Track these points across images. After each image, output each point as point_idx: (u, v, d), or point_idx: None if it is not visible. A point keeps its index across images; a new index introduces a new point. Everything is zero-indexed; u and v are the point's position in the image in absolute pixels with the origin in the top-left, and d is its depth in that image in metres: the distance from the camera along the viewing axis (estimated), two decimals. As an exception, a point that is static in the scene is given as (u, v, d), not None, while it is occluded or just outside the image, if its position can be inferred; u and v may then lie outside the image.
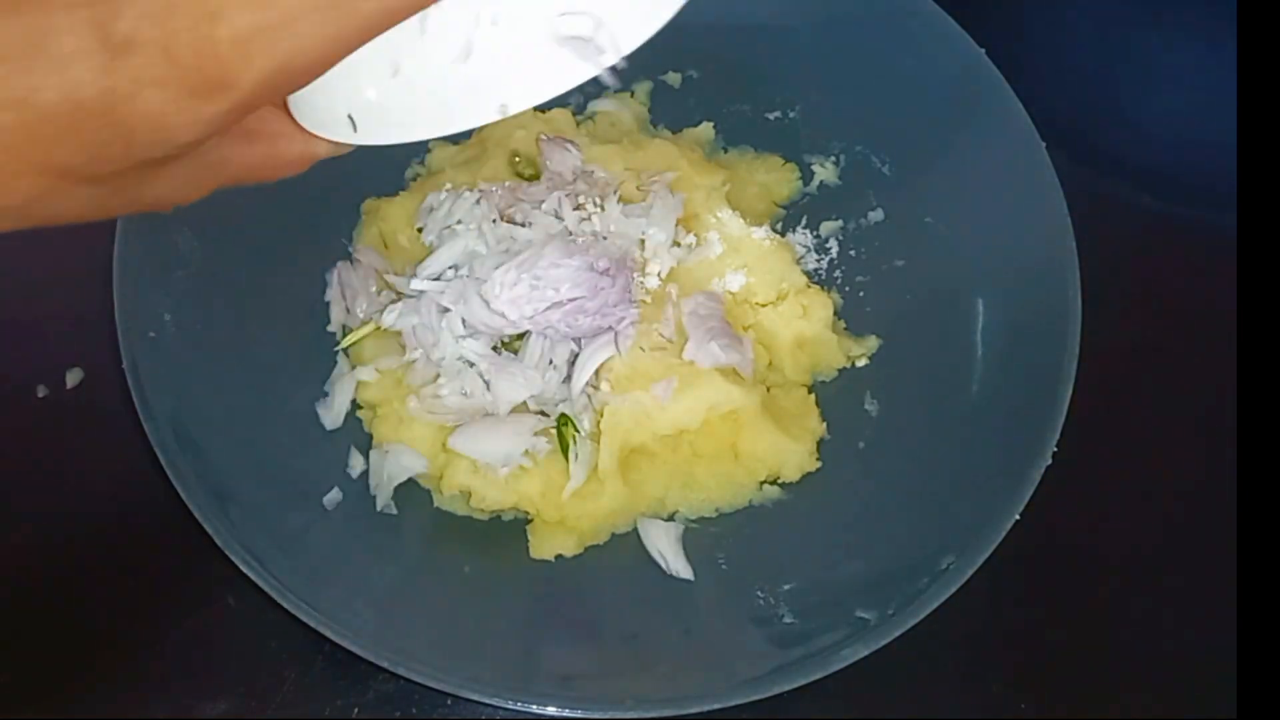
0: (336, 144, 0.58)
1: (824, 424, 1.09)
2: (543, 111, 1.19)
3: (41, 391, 1.11)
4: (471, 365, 1.04)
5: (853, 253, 1.19)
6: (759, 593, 0.97)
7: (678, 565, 1.00)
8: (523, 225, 1.08)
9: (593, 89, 1.21)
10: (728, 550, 1.02)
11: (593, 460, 1.01)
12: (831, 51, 1.18)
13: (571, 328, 1.04)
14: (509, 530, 1.03)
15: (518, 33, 0.51)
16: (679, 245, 1.11)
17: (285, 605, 0.86)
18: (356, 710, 1.00)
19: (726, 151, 1.23)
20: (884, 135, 1.18)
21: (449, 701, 1.00)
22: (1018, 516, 0.92)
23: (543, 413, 1.03)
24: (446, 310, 1.04)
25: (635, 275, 1.07)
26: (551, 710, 0.85)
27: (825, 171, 1.21)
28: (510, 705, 0.85)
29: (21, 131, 0.47)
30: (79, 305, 1.10)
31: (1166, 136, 1.34)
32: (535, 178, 1.16)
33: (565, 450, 1.01)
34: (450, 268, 1.07)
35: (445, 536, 1.02)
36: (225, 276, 1.02)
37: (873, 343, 1.13)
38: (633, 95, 1.25)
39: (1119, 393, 1.17)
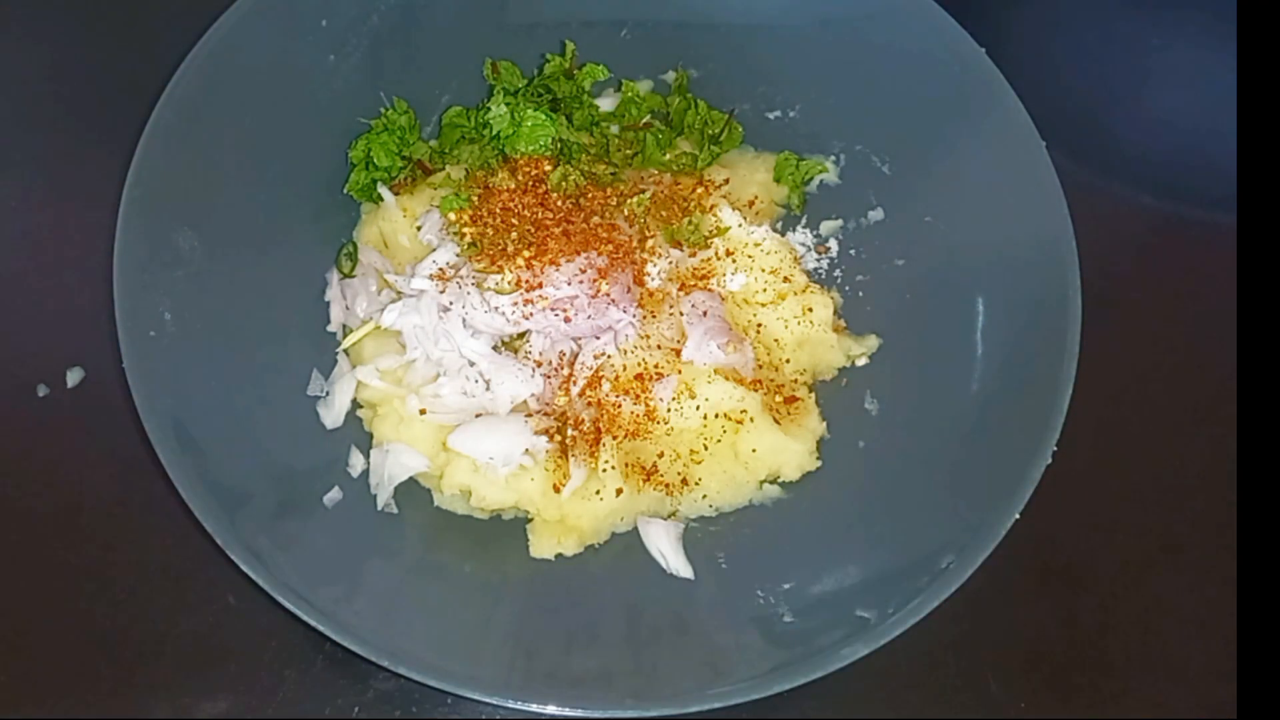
0: None
1: (824, 423, 1.09)
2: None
3: (42, 391, 1.11)
4: (472, 364, 1.04)
5: (853, 252, 1.19)
6: (759, 592, 0.97)
7: (678, 564, 1.00)
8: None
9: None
10: (728, 550, 1.03)
11: (593, 460, 1.01)
12: (831, 51, 1.18)
13: (571, 327, 1.04)
14: (509, 530, 1.03)
15: None
16: (679, 245, 1.11)
17: (285, 605, 0.86)
18: (356, 709, 1.00)
19: (726, 151, 1.23)
20: (884, 135, 1.18)
21: (449, 701, 1.00)
22: (1017, 516, 0.92)
23: (543, 412, 1.03)
24: (447, 310, 1.04)
25: (635, 275, 1.07)
26: (551, 710, 0.85)
27: (825, 171, 1.21)
28: (510, 705, 0.86)
29: None
30: (79, 305, 1.10)
31: (1166, 136, 1.34)
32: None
33: (565, 450, 1.01)
34: (450, 267, 1.08)
35: (445, 536, 1.03)
36: (225, 276, 1.02)
37: (873, 342, 1.13)
38: (633, 95, 1.25)
39: (1119, 393, 1.17)
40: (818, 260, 1.19)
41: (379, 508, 1.01)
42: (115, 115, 1.10)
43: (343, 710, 1.00)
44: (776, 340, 1.11)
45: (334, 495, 1.00)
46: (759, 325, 1.11)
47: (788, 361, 1.11)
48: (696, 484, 1.05)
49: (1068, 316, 0.99)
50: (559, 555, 1.01)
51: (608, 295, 1.04)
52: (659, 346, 1.05)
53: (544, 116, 1.13)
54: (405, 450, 1.02)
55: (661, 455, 1.04)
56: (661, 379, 1.03)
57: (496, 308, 1.03)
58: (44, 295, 1.16)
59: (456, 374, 1.04)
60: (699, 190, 1.16)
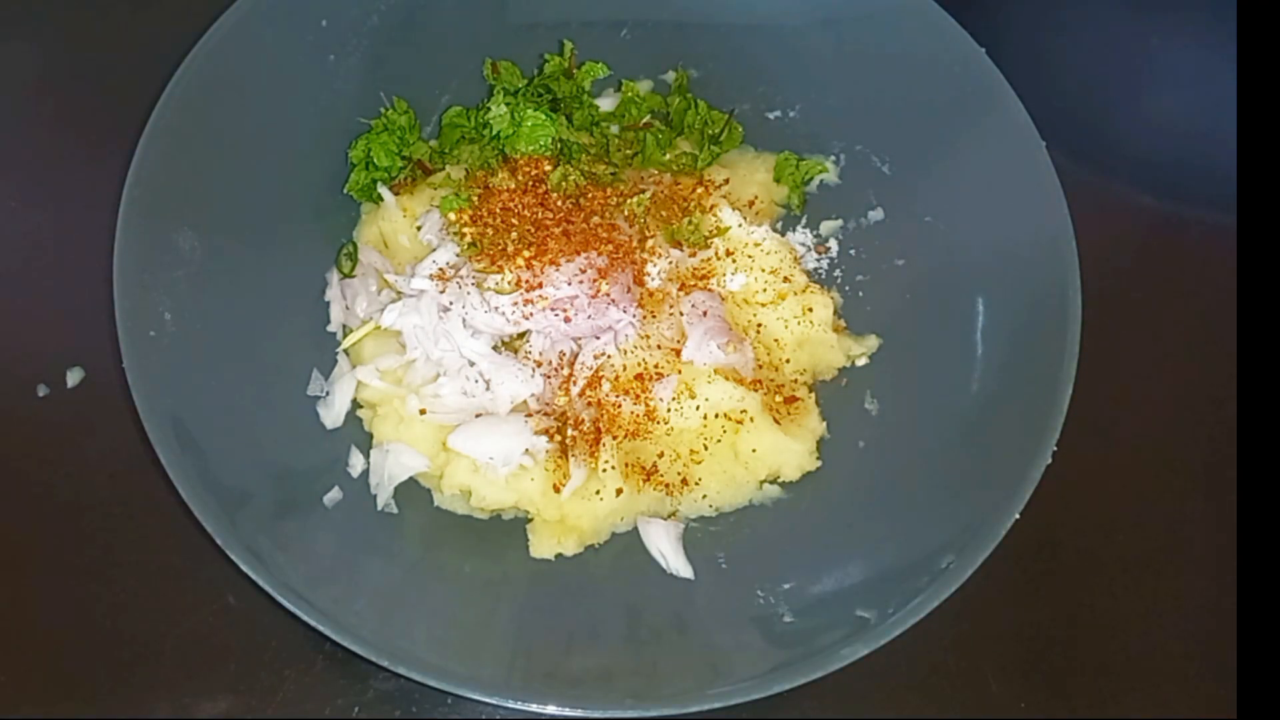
0: None
1: (824, 423, 1.09)
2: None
3: (42, 391, 1.11)
4: (472, 364, 1.04)
5: (853, 252, 1.19)
6: (759, 592, 0.97)
7: (678, 564, 1.00)
8: (523, 225, 1.08)
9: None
10: (728, 550, 1.03)
11: (593, 460, 1.01)
12: (831, 51, 1.18)
13: (571, 327, 1.04)
14: (509, 530, 1.03)
15: None
16: (679, 246, 1.11)
17: (285, 605, 0.86)
18: (356, 710, 1.00)
19: (726, 151, 1.23)
20: (884, 135, 1.18)
21: (449, 701, 1.00)
22: (1017, 516, 0.92)
23: (543, 412, 1.03)
24: (447, 310, 1.04)
25: (635, 275, 1.07)
26: (551, 710, 0.85)
27: (825, 171, 1.21)
28: (510, 705, 0.86)
29: None
30: (79, 305, 1.10)
31: (1166, 136, 1.34)
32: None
33: (565, 450, 1.01)
34: (450, 267, 1.08)
35: (445, 536, 1.02)
36: (225, 276, 1.02)
37: (873, 342, 1.13)
38: (633, 95, 1.25)
39: (1119, 393, 1.17)
40: (818, 260, 1.19)
41: (379, 508, 1.01)
42: (115, 115, 1.10)
43: (343, 710, 1.00)
44: (776, 340, 1.11)
45: (334, 495, 1.00)
46: (759, 325, 1.11)
47: (788, 361, 1.11)
48: (696, 484, 1.05)
49: (1068, 316, 0.99)
50: (559, 555, 1.01)
51: (608, 295, 1.04)
52: (659, 346, 1.05)
53: (544, 116, 1.13)
54: (405, 450, 1.02)
55: (661, 455, 1.04)
56: (661, 379, 1.03)
57: (496, 308, 1.03)
58: (44, 295, 1.16)
59: (456, 374, 1.04)
60: (699, 190, 1.16)
